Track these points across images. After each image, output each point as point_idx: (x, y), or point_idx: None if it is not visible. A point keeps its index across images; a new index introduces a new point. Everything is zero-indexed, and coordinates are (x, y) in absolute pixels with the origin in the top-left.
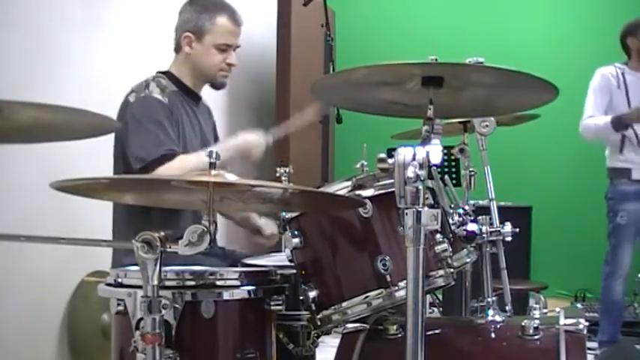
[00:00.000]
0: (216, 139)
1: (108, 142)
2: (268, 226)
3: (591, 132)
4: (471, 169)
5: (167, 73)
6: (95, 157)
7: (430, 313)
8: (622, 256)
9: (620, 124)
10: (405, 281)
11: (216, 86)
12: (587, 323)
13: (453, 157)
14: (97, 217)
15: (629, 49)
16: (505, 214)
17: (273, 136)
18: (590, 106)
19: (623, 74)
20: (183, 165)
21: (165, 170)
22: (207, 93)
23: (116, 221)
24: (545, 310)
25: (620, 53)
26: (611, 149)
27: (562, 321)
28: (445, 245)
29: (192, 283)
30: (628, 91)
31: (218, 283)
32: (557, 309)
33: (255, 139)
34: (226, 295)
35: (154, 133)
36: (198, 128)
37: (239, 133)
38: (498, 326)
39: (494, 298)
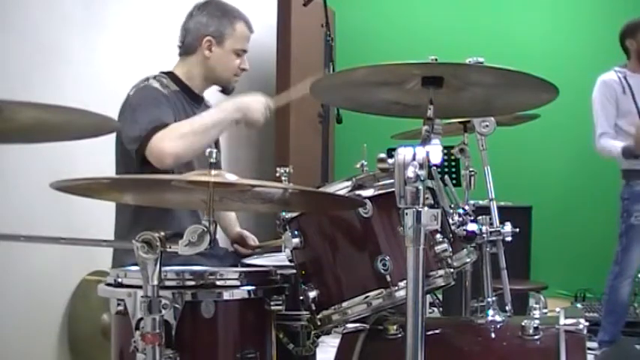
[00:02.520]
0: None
1: (108, 142)
2: (252, 237)
3: (607, 154)
4: (471, 169)
5: (170, 74)
6: (95, 157)
7: (430, 313)
8: (632, 256)
9: (630, 154)
10: (405, 281)
11: (228, 91)
12: (587, 323)
13: (453, 157)
14: (97, 217)
15: (628, 50)
16: (505, 214)
17: (275, 101)
18: (601, 122)
19: (625, 78)
20: (177, 130)
21: (158, 138)
22: (207, 93)
23: (119, 222)
24: (545, 310)
25: (621, 53)
26: None
27: (562, 321)
28: (445, 245)
29: (192, 283)
30: (634, 94)
31: (218, 283)
32: (557, 309)
33: (254, 102)
34: (226, 295)
35: (147, 112)
36: None
37: (238, 97)
38: (498, 326)
39: (494, 298)
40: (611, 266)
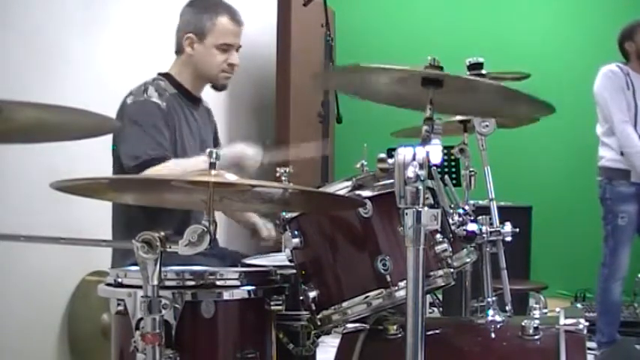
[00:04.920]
0: (216, 141)
1: (108, 142)
2: (267, 227)
3: (629, 147)
4: (471, 169)
5: (167, 76)
6: (95, 157)
7: (430, 313)
8: (621, 258)
9: None
10: (405, 281)
11: (218, 87)
12: (587, 323)
13: (453, 157)
14: (97, 217)
15: (628, 53)
16: (505, 214)
17: (270, 156)
18: (615, 110)
19: (628, 75)
20: (176, 168)
21: (155, 172)
22: (207, 93)
23: (116, 222)
24: (545, 310)
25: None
26: (609, 150)
27: (562, 321)
28: (445, 245)
29: (192, 283)
30: (635, 93)
31: (218, 283)
32: (557, 309)
33: (250, 152)
34: (226, 295)
35: (150, 135)
36: (196, 131)
37: (236, 144)
38: (498, 326)
39: (494, 298)
40: (599, 268)
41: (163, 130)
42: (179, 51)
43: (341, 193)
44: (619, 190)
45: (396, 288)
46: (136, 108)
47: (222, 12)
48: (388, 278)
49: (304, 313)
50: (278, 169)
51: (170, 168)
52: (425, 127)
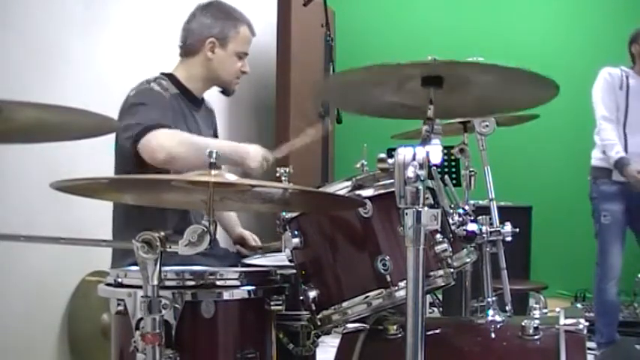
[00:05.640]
0: None
1: (108, 142)
2: (253, 238)
3: (603, 140)
4: (471, 169)
5: (170, 76)
6: (95, 157)
7: (430, 313)
8: (611, 257)
9: (622, 166)
10: (405, 281)
11: (229, 93)
12: (587, 323)
13: (453, 157)
14: (97, 217)
15: (634, 55)
16: (505, 214)
17: (275, 154)
18: (604, 105)
19: (627, 77)
20: (179, 134)
21: (157, 134)
22: (207, 93)
23: (116, 221)
24: (545, 310)
25: (621, 53)
26: (597, 148)
27: (562, 321)
28: (445, 245)
29: (192, 283)
30: (629, 93)
31: (218, 283)
32: (557, 309)
33: (253, 151)
34: (226, 295)
35: (148, 111)
36: (196, 133)
37: (242, 144)
38: (498, 326)
39: (494, 298)
40: (595, 268)
41: (163, 110)
42: (192, 53)
43: (341, 193)
44: (602, 188)
45: (396, 288)
46: (137, 94)
47: (243, 22)
48: (388, 278)
49: (304, 313)
50: (278, 169)
51: (172, 134)
52: (425, 127)
